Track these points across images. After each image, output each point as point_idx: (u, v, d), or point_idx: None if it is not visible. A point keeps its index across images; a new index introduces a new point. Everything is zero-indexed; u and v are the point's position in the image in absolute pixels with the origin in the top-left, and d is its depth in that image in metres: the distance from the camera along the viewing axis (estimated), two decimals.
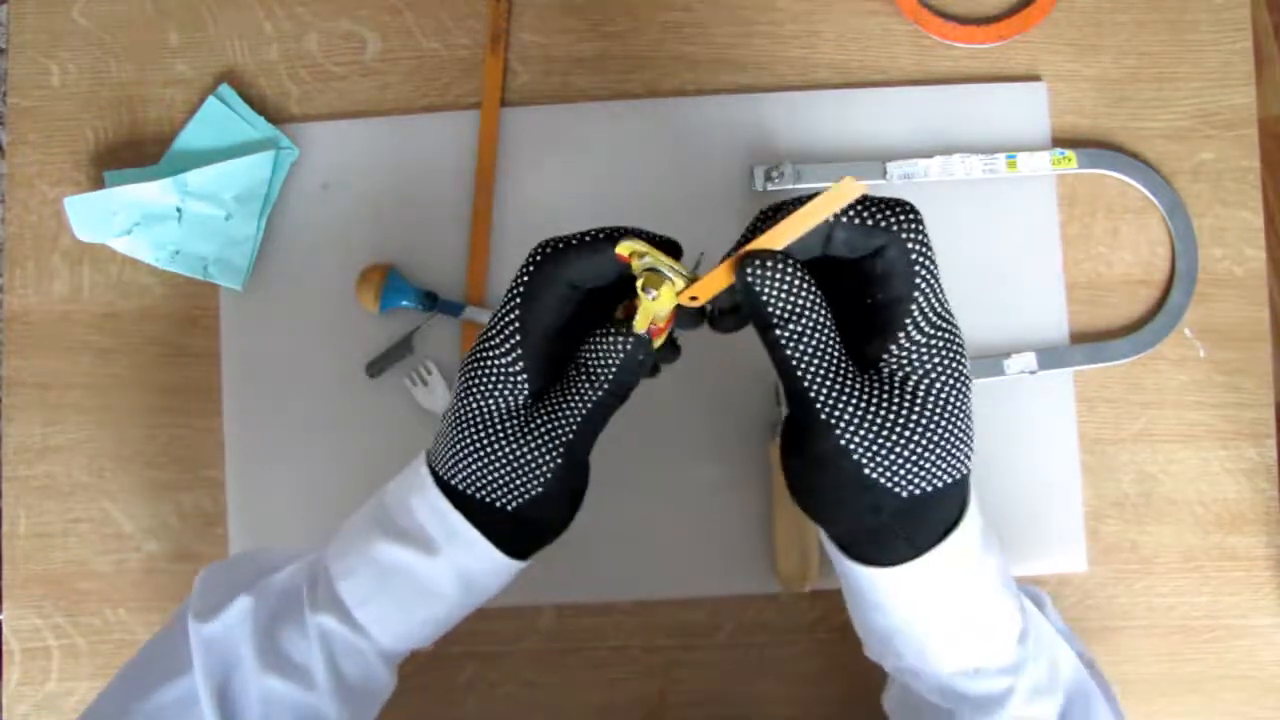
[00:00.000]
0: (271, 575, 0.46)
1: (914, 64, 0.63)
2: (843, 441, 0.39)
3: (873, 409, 0.39)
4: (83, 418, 0.62)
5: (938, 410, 0.39)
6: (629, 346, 0.42)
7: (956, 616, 0.43)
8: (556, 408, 0.43)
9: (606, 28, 0.63)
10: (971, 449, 0.41)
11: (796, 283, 0.39)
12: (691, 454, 0.60)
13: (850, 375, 0.39)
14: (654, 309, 0.40)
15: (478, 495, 0.43)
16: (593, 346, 0.42)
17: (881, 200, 0.40)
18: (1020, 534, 0.60)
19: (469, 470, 0.43)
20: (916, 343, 0.39)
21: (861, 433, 0.39)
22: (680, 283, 0.40)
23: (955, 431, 0.40)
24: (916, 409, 0.39)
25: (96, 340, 0.62)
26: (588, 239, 0.41)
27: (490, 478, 0.43)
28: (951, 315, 0.41)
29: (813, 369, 0.39)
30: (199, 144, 0.62)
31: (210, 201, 0.60)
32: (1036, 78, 0.62)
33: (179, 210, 0.61)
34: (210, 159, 0.61)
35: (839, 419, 0.39)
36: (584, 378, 0.43)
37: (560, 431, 0.43)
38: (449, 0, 0.63)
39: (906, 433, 0.39)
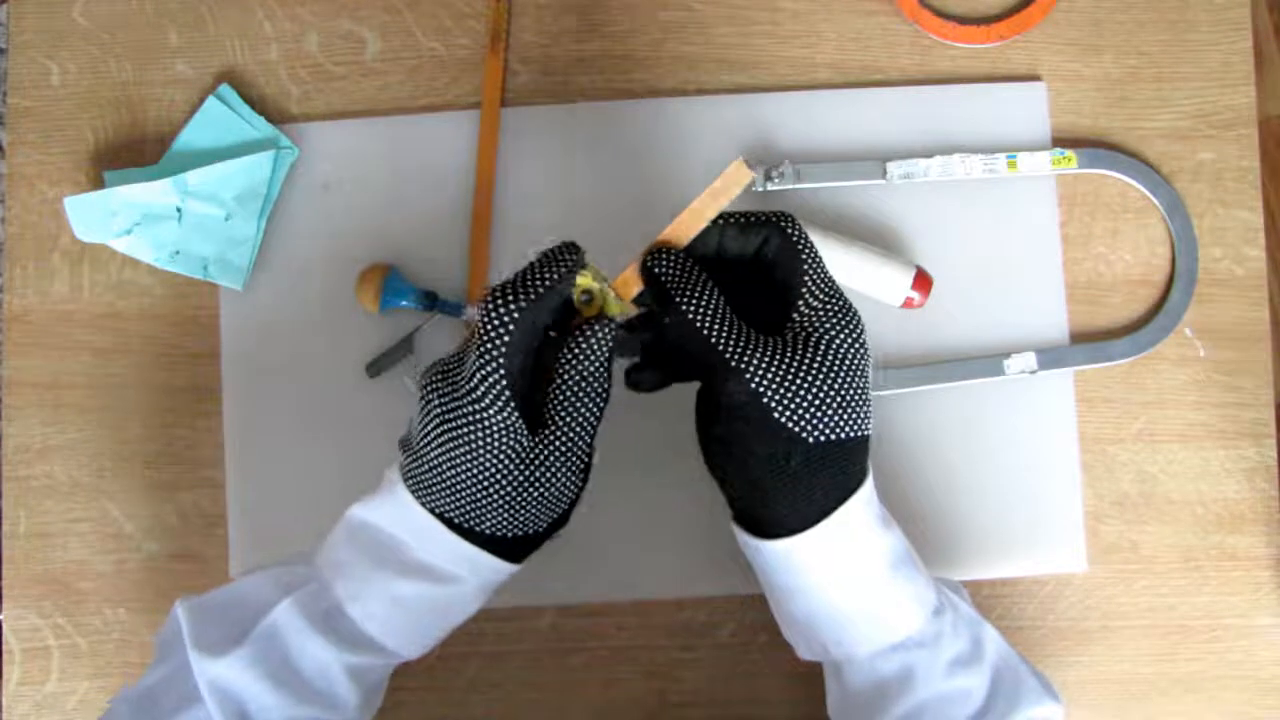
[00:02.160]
0: (264, 618, 0.44)
1: (914, 64, 0.63)
2: (753, 385, 0.42)
3: (778, 357, 0.43)
4: (83, 418, 0.62)
5: (838, 361, 0.43)
6: (612, 331, 0.44)
7: (867, 589, 0.45)
8: (567, 435, 0.44)
9: (606, 28, 0.63)
10: (870, 412, 0.45)
11: (689, 266, 0.44)
12: (691, 454, 0.60)
13: (753, 333, 0.44)
14: (614, 305, 0.45)
15: (495, 534, 0.45)
16: (577, 355, 0.43)
17: (757, 211, 0.46)
18: (1020, 534, 0.60)
19: (494, 522, 0.44)
20: (814, 308, 0.44)
21: (770, 377, 0.42)
22: (610, 289, 0.45)
23: (855, 384, 0.44)
24: (819, 358, 0.43)
25: (96, 340, 0.62)
26: (550, 281, 0.43)
27: (514, 521, 0.44)
28: (841, 293, 0.46)
29: (717, 327, 0.43)
30: (199, 144, 0.62)
31: (210, 201, 0.60)
32: (1036, 78, 0.62)
33: (179, 210, 0.61)
34: (210, 159, 0.61)
35: (748, 363, 0.42)
36: (580, 393, 0.43)
37: (580, 455, 0.45)
38: (449, 0, 0.63)
39: (810, 375, 0.43)
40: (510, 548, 0.45)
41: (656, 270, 0.45)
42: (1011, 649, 0.49)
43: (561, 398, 0.43)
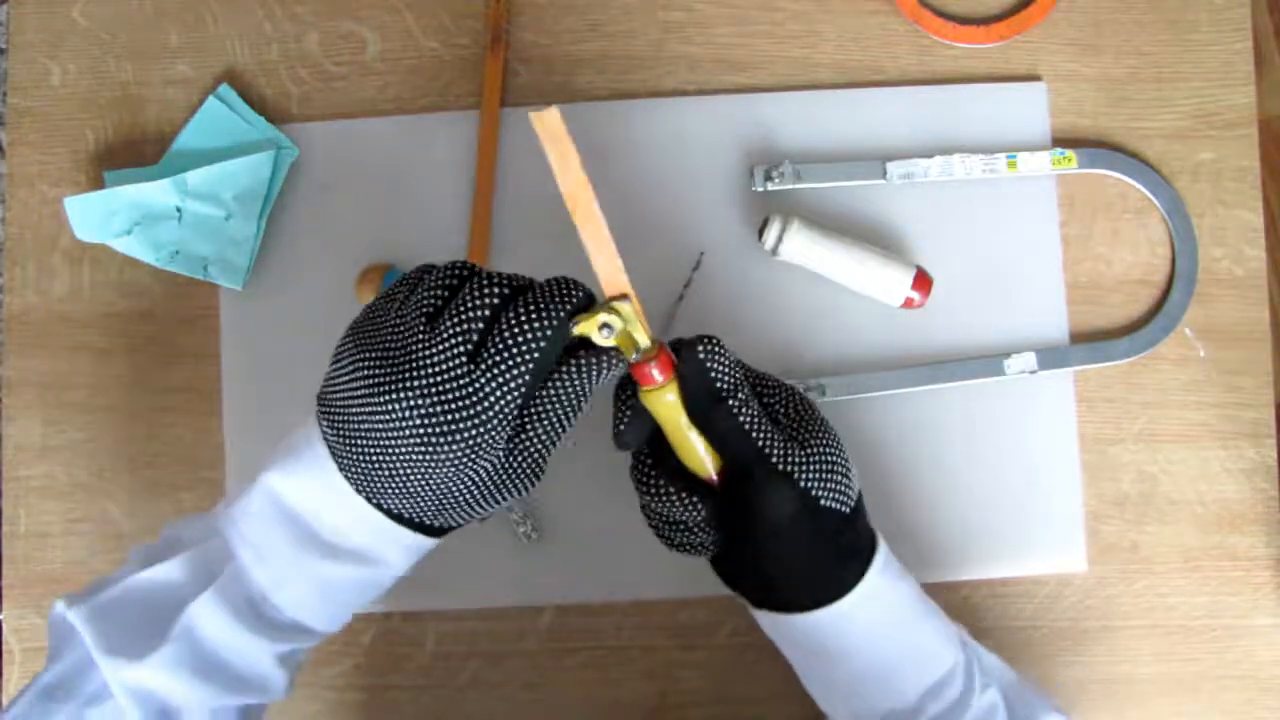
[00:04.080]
0: (181, 614, 0.41)
1: (914, 64, 0.63)
2: (803, 483, 0.43)
3: (796, 443, 0.44)
4: (83, 418, 0.62)
5: (819, 425, 0.46)
6: (624, 367, 0.42)
7: (907, 631, 0.47)
8: (543, 450, 0.43)
9: (606, 28, 0.63)
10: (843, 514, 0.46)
11: (733, 357, 0.44)
12: None
13: (778, 434, 0.44)
14: (643, 337, 0.42)
15: (433, 525, 0.44)
16: (584, 374, 0.41)
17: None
18: (1020, 534, 0.60)
19: (438, 518, 0.43)
20: (779, 414, 0.46)
21: (805, 466, 0.44)
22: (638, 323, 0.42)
23: (839, 443, 0.46)
24: (811, 427, 0.45)
25: (96, 340, 0.62)
26: (559, 319, 0.40)
27: (460, 518, 0.44)
28: (764, 375, 0.47)
29: (760, 428, 0.43)
30: (199, 144, 0.62)
31: (210, 201, 0.60)
32: (1036, 78, 0.62)
33: (179, 210, 0.61)
34: (210, 159, 0.61)
35: (792, 464, 0.43)
36: (570, 410, 0.42)
37: (543, 465, 0.44)
38: (449, 0, 0.63)
39: (822, 447, 0.44)
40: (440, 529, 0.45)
41: (706, 359, 0.43)
42: (1007, 665, 0.51)
43: (550, 412, 0.42)
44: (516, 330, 0.39)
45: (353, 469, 0.42)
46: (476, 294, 0.40)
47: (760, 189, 0.60)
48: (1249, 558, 0.60)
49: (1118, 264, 0.61)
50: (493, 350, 0.39)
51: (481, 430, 0.40)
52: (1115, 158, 0.61)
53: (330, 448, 0.42)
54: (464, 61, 0.63)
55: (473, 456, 0.40)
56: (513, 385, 0.39)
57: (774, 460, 0.43)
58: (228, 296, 0.61)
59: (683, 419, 0.44)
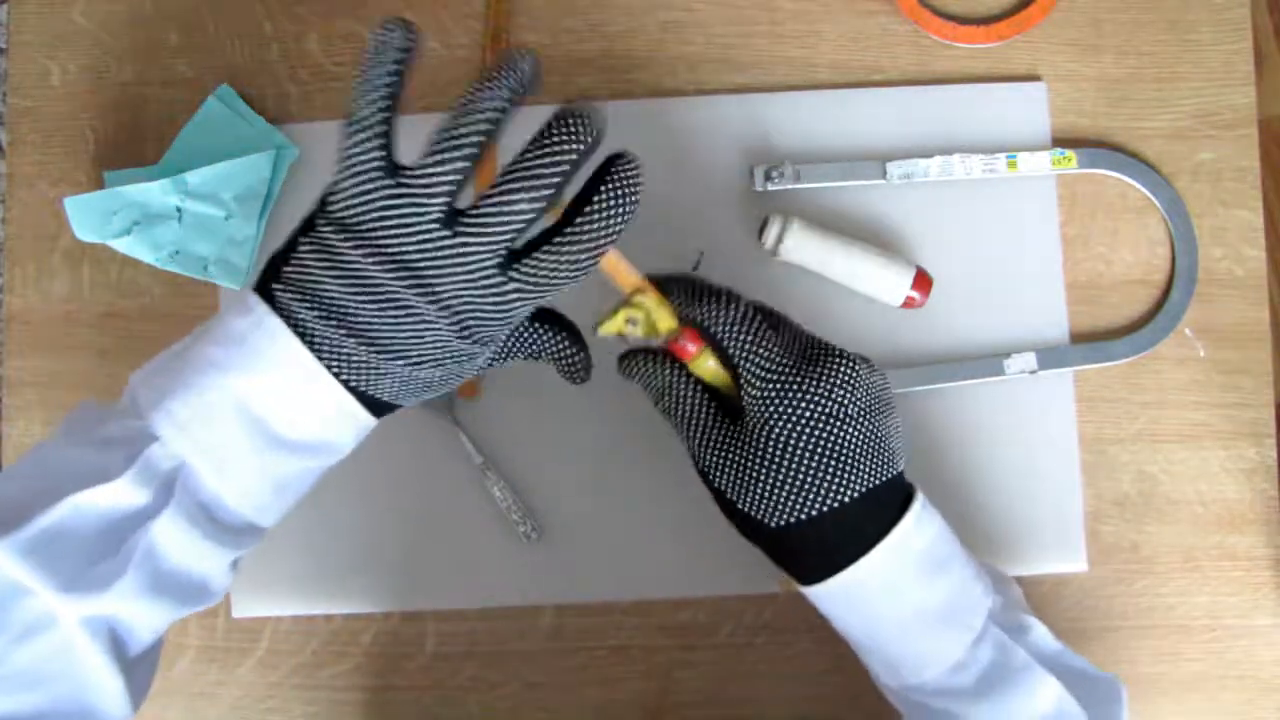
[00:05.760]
0: (139, 535, 0.38)
1: (914, 64, 0.63)
2: (716, 484, 0.47)
3: (728, 455, 0.46)
4: None
5: (777, 453, 0.44)
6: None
7: (874, 639, 0.47)
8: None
9: (606, 28, 0.63)
10: (835, 485, 0.45)
11: (665, 372, 0.47)
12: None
13: (717, 429, 0.47)
14: (666, 321, 0.46)
15: (387, 401, 0.43)
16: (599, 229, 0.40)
17: (698, 285, 0.47)
18: (1020, 534, 0.60)
19: (419, 398, 0.44)
20: (754, 397, 0.45)
21: (724, 474, 0.46)
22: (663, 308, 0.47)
23: (801, 470, 0.44)
24: (758, 453, 0.45)
25: (96, 340, 0.62)
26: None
27: (419, 396, 0.44)
28: (782, 366, 0.46)
29: (684, 430, 0.47)
30: (199, 144, 0.62)
31: (210, 201, 0.60)
32: (1036, 78, 0.62)
33: (179, 210, 0.60)
34: (210, 159, 0.61)
35: (708, 466, 0.47)
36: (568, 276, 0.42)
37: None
38: (449, 0, 0.63)
39: (758, 468, 0.45)
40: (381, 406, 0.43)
41: (627, 375, 0.49)
42: (1081, 690, 0.46)
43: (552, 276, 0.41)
44: (562, 253, 0.40)
45: (348, 357, 0.40)
46: (508, 201, 0.39)
47: (760, 189, 0.60)
48: (1249, 558, 0.60)
49: (1118, 264, 0.61)
50: (530, 268, 0.40)
51: (504, 330, 0.42)
52: (1115, 158, 0.61)
53: (310, 337, 0.40)
54: (464, 61, 0.63)
55: (485, 349, 0.42)
56: (542, 295, 0.41)
57: (694, 456, 0.48)
58: (228, 296, 0.61)
59: (724, 370, 0.47)
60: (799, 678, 0.59)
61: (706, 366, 0.47)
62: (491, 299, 0.40)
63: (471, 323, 0.41)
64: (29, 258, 0.62)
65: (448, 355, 0.41)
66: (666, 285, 0.47)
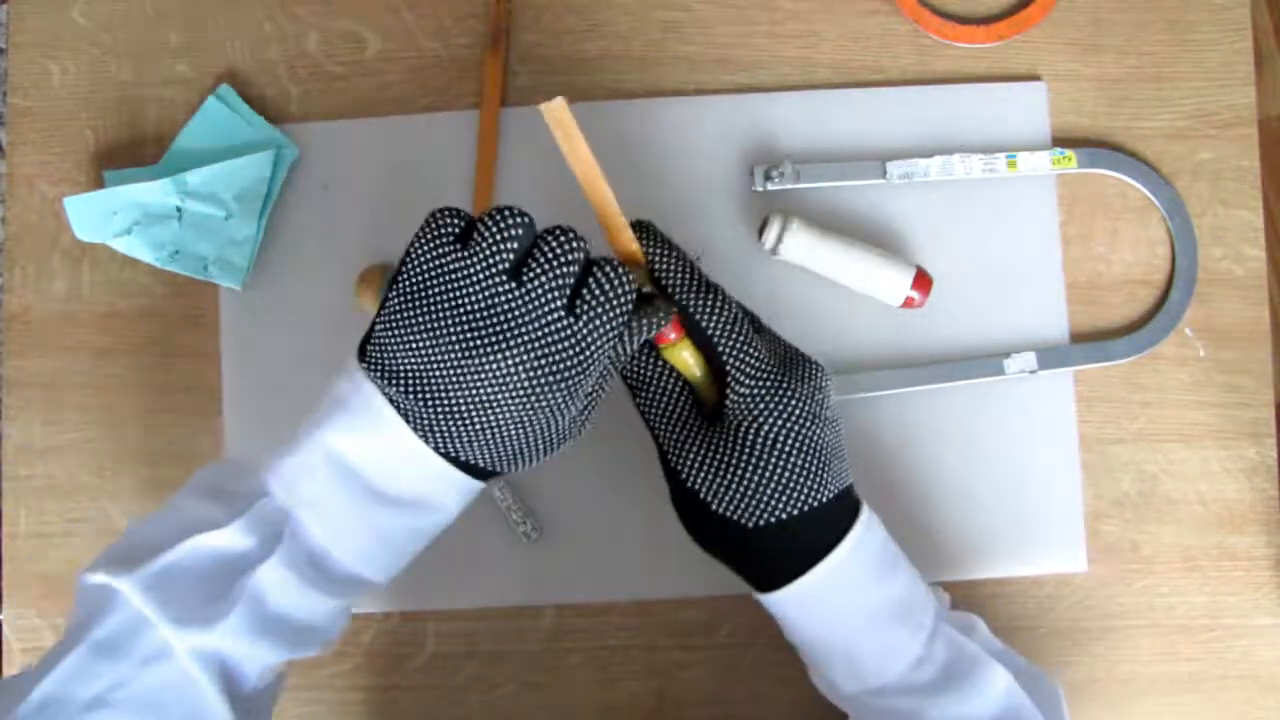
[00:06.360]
0: (246, 578, 0.42)
1: (914, 64, 0.63)
2: (690, 484, 0.47)
3: (709, 454, 0.46)
4: (83, 418, 0.62)
5: (765, 450, 0.45)
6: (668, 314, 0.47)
7: (838, 641, 0.47)
8: (599, 390, 0.46)
9: (606, 28, 0.63)
10: (816, 484, 0.46)
11: (644, 356, 0.48)
12: None
13: (692, 428, 0.47)
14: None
15: (488, 469, 0.46)
16: (642, 323, 0.45)
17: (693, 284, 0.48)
18: (1020, 534, 0.60)
19: (515, 465, 0.45)
20: (741, 395, 0.46)
21: (703, 473, 0.46)
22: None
23: (792, 465, 0.45)
24: (745, 450, 0.45)
25: (96, 340, 0.62)
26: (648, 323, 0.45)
27: (530, 463, 0.46)
28: (771, 367, 0.47)
29: (661, 426, 0.48)
30: (199, 144, 0.62)
31: (210, 201, 0.60)
32: (1036, 78, 0.62)
33: (179, 210, 0.61)
34: (210, 159, 0.61)
35: (683, 465, 0.47)
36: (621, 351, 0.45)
37: (596, 406, 0.47)
38: (449, 0, 0.63)
39: (740, 468, 0.45)
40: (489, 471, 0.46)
41: (708, 316, 0.47)
42: (1028, 681, 0.47)
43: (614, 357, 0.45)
44: (613, 277, 0.42)
45: (431, 425, 0.43)
46: (564, 245, 0.42)
47: (760, 189, 0.60)
48: (1249, 558, 0.60)
49: (1118, 264, 0.61)
50: (590, 300, 0.42)
51: (583, 378, 0.42)
52: (1115, 157, 0.61)
53: (397, 406, 0.43)
54: (464, 61, 0.63)
55: (568, 403, 0.43)
56: (609, 331, 0.42)
57: (668, 456, 0.48)
58: (228, 296, 0.61)
59: (699, 363, 0.48)
60: (799, 678, 0.59)
61: (681, 357, 0.48)
62: (564, 341, 0.42)
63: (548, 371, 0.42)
64: (29, 258, 0.62)
65: (525, 411, 0.42)
66: (638, 229, 0.48)
